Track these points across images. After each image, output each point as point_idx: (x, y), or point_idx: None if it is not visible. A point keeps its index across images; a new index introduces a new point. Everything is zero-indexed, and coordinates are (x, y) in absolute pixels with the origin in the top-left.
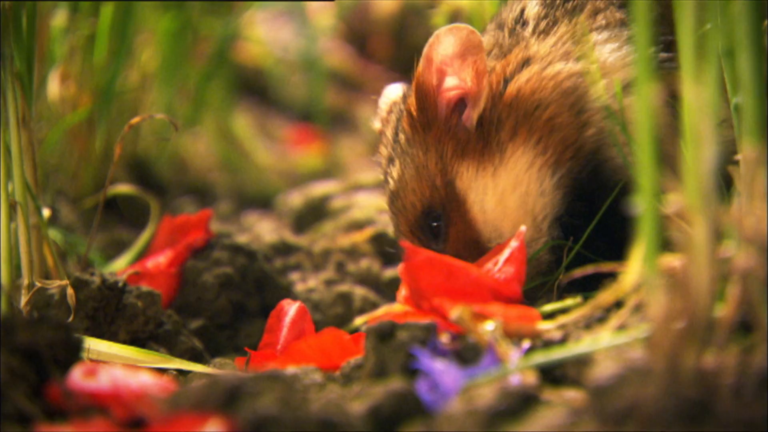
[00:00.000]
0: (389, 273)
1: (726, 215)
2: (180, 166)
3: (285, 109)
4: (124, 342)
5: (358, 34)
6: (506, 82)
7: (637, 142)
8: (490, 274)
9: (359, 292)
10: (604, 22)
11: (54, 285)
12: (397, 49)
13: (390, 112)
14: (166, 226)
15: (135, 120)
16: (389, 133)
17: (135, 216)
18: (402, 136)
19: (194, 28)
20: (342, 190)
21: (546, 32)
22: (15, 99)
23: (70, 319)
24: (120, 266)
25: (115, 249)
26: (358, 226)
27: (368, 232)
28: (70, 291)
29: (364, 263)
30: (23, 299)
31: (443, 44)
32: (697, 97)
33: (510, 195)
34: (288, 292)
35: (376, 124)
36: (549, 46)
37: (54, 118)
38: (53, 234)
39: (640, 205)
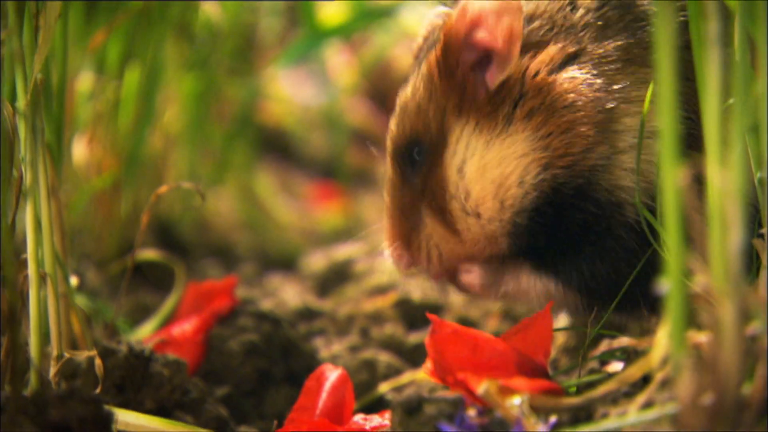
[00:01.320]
0: (413, 338)
1: (753, 295)
2: (202, 225)
3: (306, 165)
4: (150, 410)
5: (378, 90)
6: (551, 70)
7: (665, 222)
8: (515, 346)
9: (383, 358)
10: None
11: (82, 356)
12: None
13: (429, 35)
14: (191, 293)
15: (162, 189)
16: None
17: (159, 278)
18: (423, 67)
19: (217, 88)
20: (365, 253)
21: (600, 32)
22: (46, 170)
23: (98, 389)
24: (146, 332)
25: (139, 313)
26: (381, 290)
27: (392, 297)
28: (98, 362)
29: (389, 328)
30: (52, 370)
31: None
32: (722, 178)
33: (492, 169)
34: (313, 359)
35: (418, 40)
36: (603, 53)
37: (78, 181)
38: (79, 300)
39: (667, 283)
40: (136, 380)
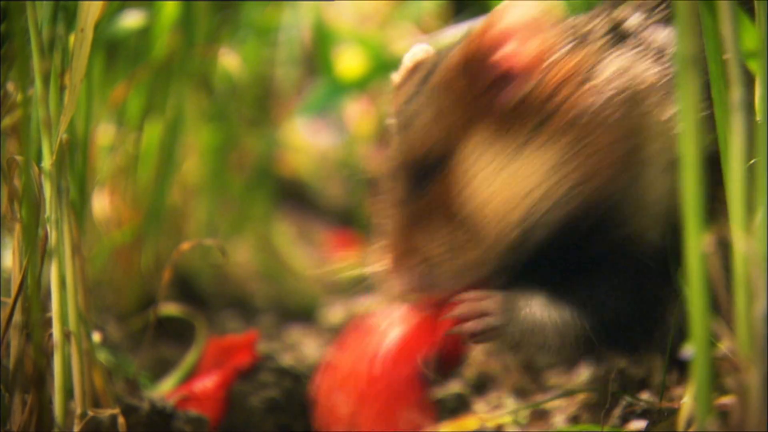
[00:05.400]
0: (433, 393)
1: None
2: (220, 276)
3: (324, 213)
4: None
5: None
6: (581, 83)
7: (689, 288)
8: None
9: None
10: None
11: (106, 413)
12: None
13: (413, 71)
14: (212, 348)
15: (184, 246)
16: (411, 84)
17: (179, 331)
18: (434, 82)
19: (236, 139)
20: (383, 305)
21: (619, 46)
22: (70, 229)
23: None
24: (167, 387)
25: (159, 366)
26: None
27: None
28: (120, 420)
29: None
30: (76, 428)
31: (513, 13)
32: (747, 246)
33: (517, 182)
34: None
35: (396, 77)
36: (624, 67)
37: (99, 234)
38: (101, 355)
39: (693, 348)
40: None
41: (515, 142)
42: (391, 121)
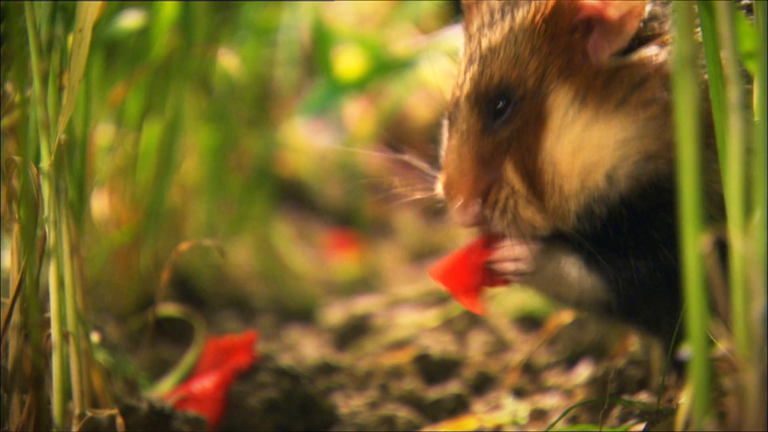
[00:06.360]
0: (433, 393)
1: None
2: (220, 277)
3: (323, 214)
4: None
5: (395, 139)
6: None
7: (687, 290)
8: None
9: (403, 414)
10: None
11: (104, 414)
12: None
13: None
14: (211, 348)
15: (182, 246)
16: (494, 6)
17: (178, 332)
18: (524, 18)
19: (235, 139)
20: (383, 306)
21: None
22: (69, 230)
23: None
24: (166, 388)
25: (158, 367)
26: (400, 344)
27: (411, 351)
28: (119, 420)
29: (408, 383)
30: (74, 428)
31: None
32: (745, 247)
33: (586, 150)
34: (332, 415)
35: None
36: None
37: (98, 235)
38: (100, 356)
39: (691, 350)
40: None
41: (600, 106)
42: (462, 38)
